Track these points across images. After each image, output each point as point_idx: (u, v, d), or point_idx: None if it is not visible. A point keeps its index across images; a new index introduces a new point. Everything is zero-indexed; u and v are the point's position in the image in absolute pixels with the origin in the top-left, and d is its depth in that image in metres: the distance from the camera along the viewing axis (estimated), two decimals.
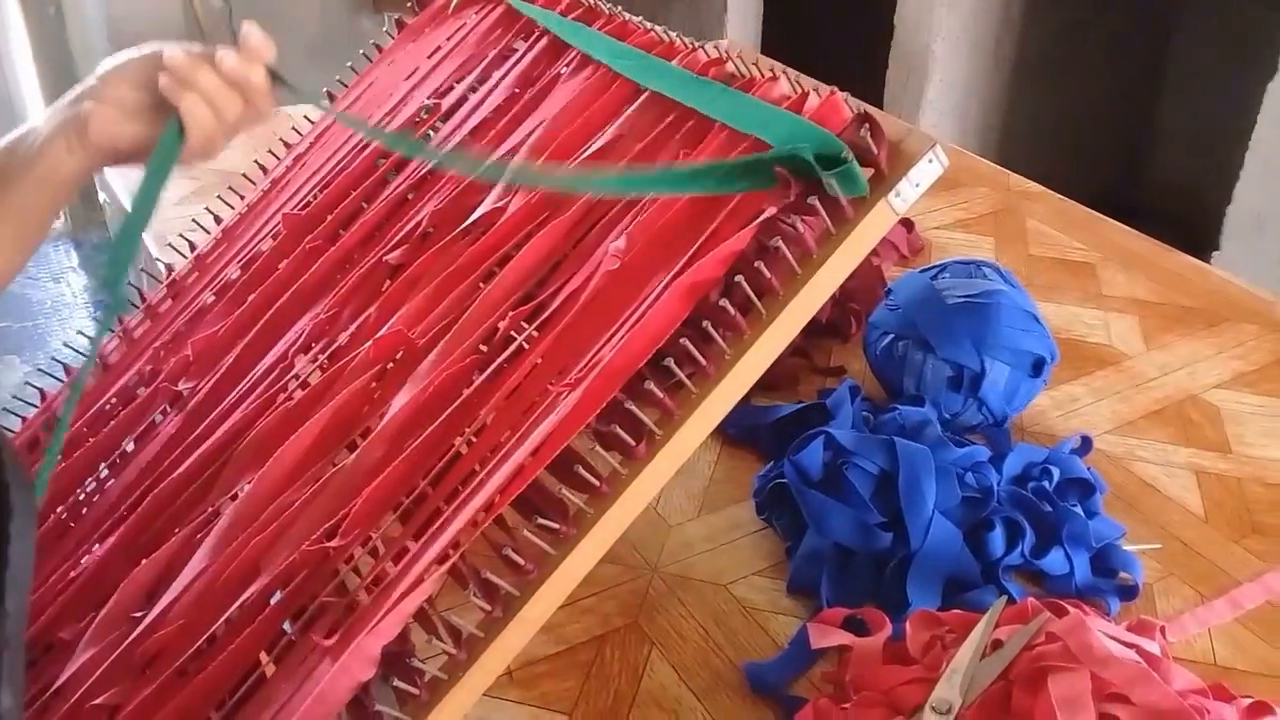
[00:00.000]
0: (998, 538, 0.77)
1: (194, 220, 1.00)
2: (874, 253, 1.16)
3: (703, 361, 0.57)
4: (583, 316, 0.60)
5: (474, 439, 0.61)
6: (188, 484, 0.69)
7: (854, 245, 0.56)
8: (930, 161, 0.56)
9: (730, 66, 0.69)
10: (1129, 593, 0.78)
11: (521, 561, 0.56)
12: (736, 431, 0.93)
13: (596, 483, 0.57)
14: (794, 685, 0.71)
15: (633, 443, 0.56)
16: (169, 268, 0.95)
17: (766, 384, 0.99)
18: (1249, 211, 2.02)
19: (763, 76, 0.67)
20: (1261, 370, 1.04)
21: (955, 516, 0.78)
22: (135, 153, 0.67)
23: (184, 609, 0.61)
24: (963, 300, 0.90)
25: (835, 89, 0.61)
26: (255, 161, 1.03)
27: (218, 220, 0.98)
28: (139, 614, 0.63)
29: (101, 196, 1.55)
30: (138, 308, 0.92)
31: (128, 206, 1.35)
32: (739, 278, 0.56)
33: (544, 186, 0.69)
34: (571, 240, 0.66)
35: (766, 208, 0.58)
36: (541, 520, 0.57)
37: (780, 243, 0.56)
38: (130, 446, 0.77)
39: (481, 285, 0.68)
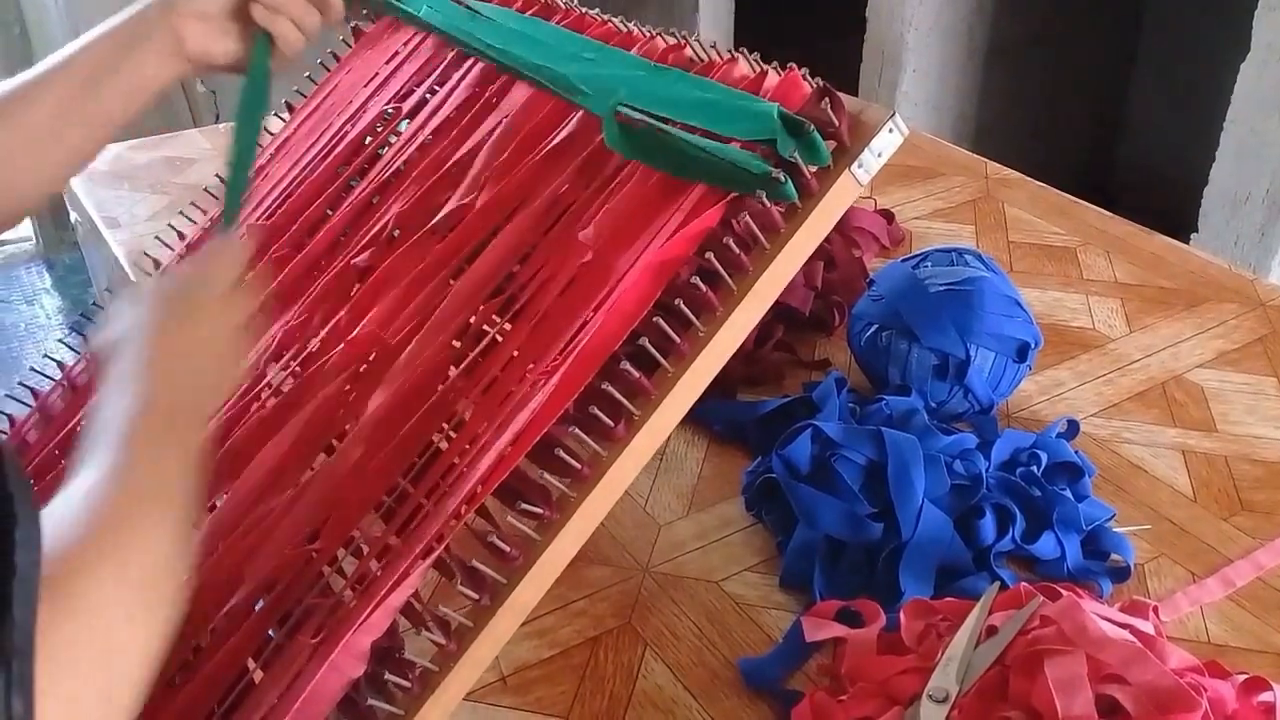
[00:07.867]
0: (988, 524, 0.77)
1: (157, 238, 0.99)
2: (855, 244, 1.16)
3: (677, 340, 0.56)
4: (555, 305, 0.60)
5: (453, 433, 0.60)
6: None
7: (820, 217, 0.57)
8: (890, 131, 0.56)
9: (689, 51, 0.68)
10: (1121, 574, 0.78)
11: (507, 549, 0.56)
12: (723, 428, 0.93)
13: (578, 466, 0.56)
14: (790, 680, 0.70)
15: (611, 424, 0.56)
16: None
17: (752, 379, 0.99)
18: (1225, 192, 2.02)
19: (720, 59, 0.66)
20: (1243, 349, 1.05)
21: (945, 505, 0.78)
22: (228, 65, 0.70)
23: None
24: (945, 288, 0.90)
25: (794, 66, 0.61)
26: (216, 175, 1.01)
27: (181, 236, 0.97)
28: None
29: (73, 216, 1.53)
30: None
31: (100, 225, 1.33)
32: (709, 254, 0.56)
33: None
34: (539, 231, 0.66)
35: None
36: (525, 506, 0.57)
37: (748, 218, 0.56)
38: None
39: (452, 282, 0.67)
